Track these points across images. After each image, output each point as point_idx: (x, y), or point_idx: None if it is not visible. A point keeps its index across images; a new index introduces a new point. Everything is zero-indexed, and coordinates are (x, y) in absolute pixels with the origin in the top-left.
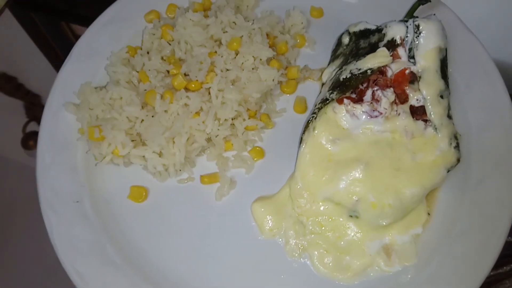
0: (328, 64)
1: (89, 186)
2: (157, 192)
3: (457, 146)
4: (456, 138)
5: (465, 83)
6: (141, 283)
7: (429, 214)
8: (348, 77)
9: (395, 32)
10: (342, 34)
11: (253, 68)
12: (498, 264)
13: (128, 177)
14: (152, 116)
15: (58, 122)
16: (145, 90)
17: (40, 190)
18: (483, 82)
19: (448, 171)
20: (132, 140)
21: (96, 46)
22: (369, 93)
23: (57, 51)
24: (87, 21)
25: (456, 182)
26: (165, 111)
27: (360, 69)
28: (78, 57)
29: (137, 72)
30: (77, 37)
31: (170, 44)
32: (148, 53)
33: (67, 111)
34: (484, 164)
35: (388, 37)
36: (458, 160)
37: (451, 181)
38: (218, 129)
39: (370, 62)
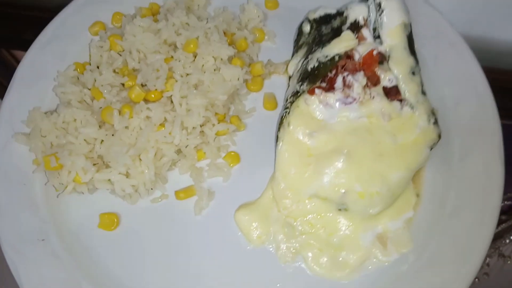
0: (292, 56)
1: (53, 221)
2: (130, 216)
3: (436, 122)
4: (433, 114)
5: (432, 57)
6: None
7: (418, 195)
8: (316, 66)
9: (357, 13)
10: (302, 22)
11: (215, 69)
12: None
13: (96, 204)
14: (112, 135)
15: (10, 156)
16: (101, 107)
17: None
18: (450, 54)
19: (431, 148)
20: (94, 164)
21: (40, 68)
22: (339, 79)
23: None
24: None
25: (440, 159)
26: (126, 127)
27: (327, 56)
28: (22, 82)
29: (89, 89)
30: None
31: (120, 55)
32: (98, 67)
33: (18, 142)
34: (465, 136)
35: (350, 19)
36: (439, 136)
37: (435, 159)
38: (187, 139)
39: (337, 47)
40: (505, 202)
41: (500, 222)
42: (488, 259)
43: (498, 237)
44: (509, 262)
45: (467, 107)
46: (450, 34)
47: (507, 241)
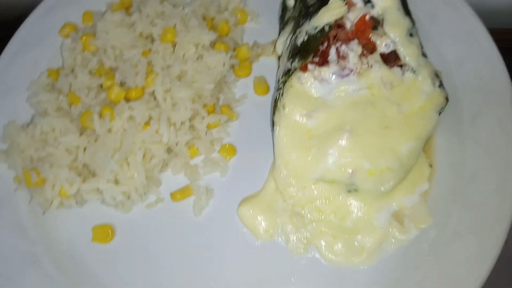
0: (279, 34)
1: (43, 241)
2: (126, 226)
3: (441, 85)
4: (437, 76)
5: (428, 17)
6: None
7: (431, 165)
8: (305, 39)
9: None
10: None
11: (197, 58)
12: None
13: (87, 217)
14: (95, 141)
15: None
16: (80, 113)
17: None
18: (447, 11)
19: (439, 113)
20: (79, 174)
21: (11, 80)
22: (332, 51)
23: None
24: None
25: (449, 123)
26: (108, 130)
27: (316, 27)
28: None
29: (66, 95)
30: None
31: (95, 55)
32: (72, 71)
33: None
34: (473, 95)
35: None
36: (447, 99)
37: (444, 124)
38: (176, 136)
39: (325, 16)
40: None
41: None
42: None
43: None
44: None
45: (472, 65)
46: None
47: None
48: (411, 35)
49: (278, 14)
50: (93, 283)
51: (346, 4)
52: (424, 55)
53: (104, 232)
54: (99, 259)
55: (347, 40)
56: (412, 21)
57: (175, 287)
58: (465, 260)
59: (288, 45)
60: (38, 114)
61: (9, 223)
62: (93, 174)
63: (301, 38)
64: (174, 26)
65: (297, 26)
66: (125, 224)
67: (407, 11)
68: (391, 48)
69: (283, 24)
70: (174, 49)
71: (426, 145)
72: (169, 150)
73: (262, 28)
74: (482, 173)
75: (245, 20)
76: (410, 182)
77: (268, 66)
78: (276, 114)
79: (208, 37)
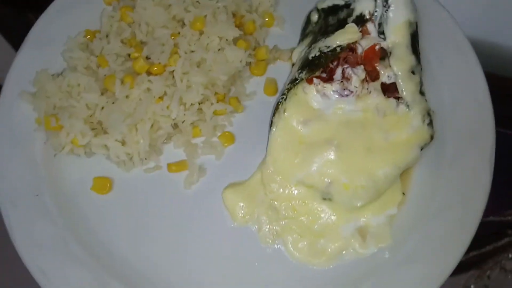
0: (298, 44)
1: (49, 179)
2: (123, 183)
3: (430, 123)
4: (429, 115)
5: (437, 58)
6: (108, 279)
7: (404, 194)
8: (317, 55)
9: (364, 7)
10: (311, 11)
11: (219, 49)
12: (481, 244)
13: (92, 168)
14: (113, 103)
15: (15, 113)
16: (105, 75)
17: None
18: (455, 57)
19: (422, 149)
20: (93, 129)
21: (52, 32)
22: (339, 71)
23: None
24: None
25: (430, 160)
26: (126, 96)
27: (329, 47)
28: (33, 45)
29: (96, 57)
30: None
31: (130, 27)
32: (107, 36)
33: (23, 101)
34: (458, 140)
35: (356, 12)
36: (432, 137)
37: (426, 159)
38: (184, 114)
39: (339, 38)
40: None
41: (504, 235)
42: (489, 271)
43: (501, 251)
44: (510, 277)
45: (464, 112)
46: (458, 38)
47: (511, 255)
48: (413, 72)
49: (301, 25)
50: (83, 226)
51: (361, 31)
52: (422, 93)
53: (103, 184)
54: (93, 207)
55: (354, 64)
56: (417, 60)
57: (149, 243)
58: (409, 284)
59: (302, 57)
60: (68, 68)
61: (24, 157)
62: (105, 132)
63: (313, 53)
64: (205, 16)
65: (314, 41)
66: (122, 181)
67: (414, 50)
68: (392, 80)
69: (303, 35)
70: (200, 37)
71: (404, 175)
72: (175, 126)
73: (285, 34)
74: (446, 211)
75: (272, 24)
76: (381, 203)
77: (282, 71)
78: (276, 115)
79: (233, 33)
